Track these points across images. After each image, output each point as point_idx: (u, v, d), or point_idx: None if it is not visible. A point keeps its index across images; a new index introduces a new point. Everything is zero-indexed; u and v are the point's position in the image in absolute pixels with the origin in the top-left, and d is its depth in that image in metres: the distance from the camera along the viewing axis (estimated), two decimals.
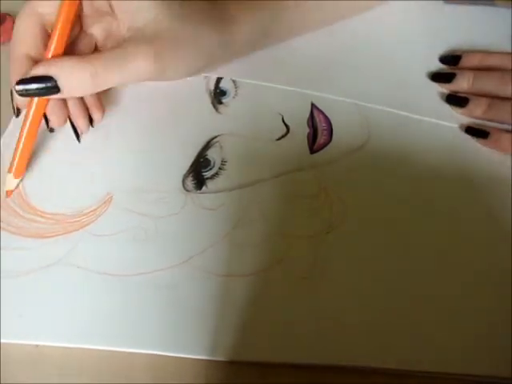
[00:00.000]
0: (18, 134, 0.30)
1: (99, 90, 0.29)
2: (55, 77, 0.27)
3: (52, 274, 0.27)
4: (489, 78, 0.34)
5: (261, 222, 0.29)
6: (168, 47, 0.30)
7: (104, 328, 0.25)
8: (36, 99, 0.29)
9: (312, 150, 0.32)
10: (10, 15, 0.41)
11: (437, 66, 0.37)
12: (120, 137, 0.33)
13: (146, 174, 0.31)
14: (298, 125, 0.34)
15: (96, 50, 0.33)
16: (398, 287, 0.27)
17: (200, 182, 0.31)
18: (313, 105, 0.35)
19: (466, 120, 0.34)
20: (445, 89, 0.36)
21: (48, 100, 0.29)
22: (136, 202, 0.30)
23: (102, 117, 0.34)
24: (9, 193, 0.30)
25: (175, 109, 0.35)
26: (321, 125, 0.34)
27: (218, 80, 0.36)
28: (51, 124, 0.31)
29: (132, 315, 0.26)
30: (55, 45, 0.28)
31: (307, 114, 0.34)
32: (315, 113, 0.34)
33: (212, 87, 0.36)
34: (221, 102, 0.35)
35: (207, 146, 0.33)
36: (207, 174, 0.31)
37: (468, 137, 0.33)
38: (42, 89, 0.27)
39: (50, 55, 0.28)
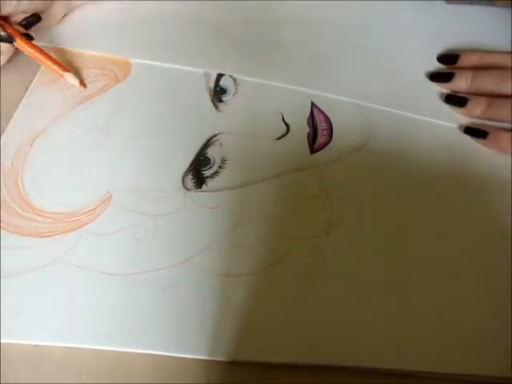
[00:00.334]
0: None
1: None
2: None
3: (51, 274, 0.27)
4: (487, 76, 0.34)
5: (261, 221, 0.29)
6: None
7: (103, 328, 0.25)
8: None
9: (312, 150, 0.32)
10: None
11: (436, 65, 0.37)
12: (119, 135, 0.33)
13: (145, 172, 0.31)
14: (298, 124, 0.34)
15: None
16: (398, 287, 0.27)
17: (200, 181, 0.31)
18: (313, 104, 0.35)
19: (465, 120, 0.34)
20: (444, 88, 0.36)
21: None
22: (135, 201, 0.30)
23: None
24: (81, 83, 0.35)
25: (175, 107, 0.35)
26: (321, 124, 0.34)
27: (219, 78, 0.36)
28: None
29: (131, 315, 0.26)
30: None
31: (307, 113, 0.34)
32: (315, 112, 0.34)
33: (212, 85, 0.36)
34: (221, 100, 0.35)
35: (207, 144, 0.32)
36: (207, 173, 0.31)
37: (467, 137, 0.34)
38: None
39: None
